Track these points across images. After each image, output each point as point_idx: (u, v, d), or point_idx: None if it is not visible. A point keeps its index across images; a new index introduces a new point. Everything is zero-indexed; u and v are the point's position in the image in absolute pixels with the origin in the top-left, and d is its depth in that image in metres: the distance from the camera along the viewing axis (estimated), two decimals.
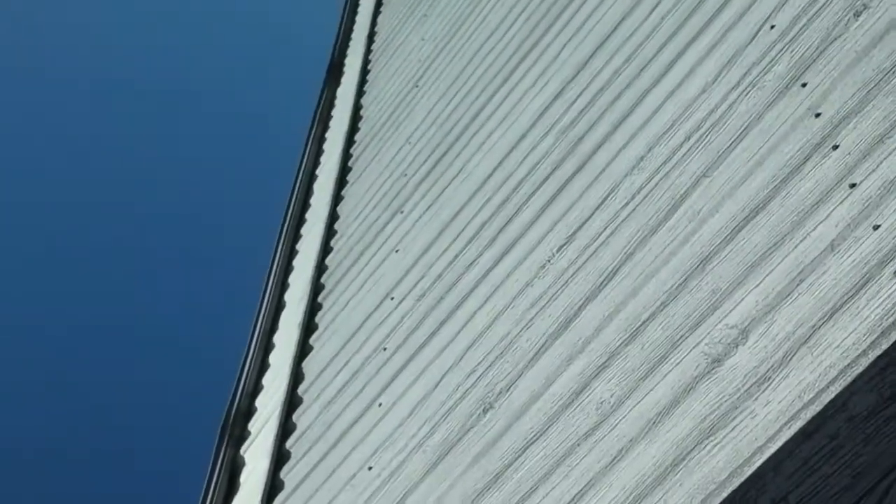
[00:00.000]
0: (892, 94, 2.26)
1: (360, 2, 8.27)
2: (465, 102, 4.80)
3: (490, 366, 3.01)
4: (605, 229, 2.99)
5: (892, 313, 1.88)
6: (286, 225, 5.65)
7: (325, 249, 5.12)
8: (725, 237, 2.46)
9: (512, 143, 4.00)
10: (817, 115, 2.44)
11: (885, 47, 2.37)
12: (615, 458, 2.27)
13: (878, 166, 2.16)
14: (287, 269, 5.36)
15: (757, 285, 2.26)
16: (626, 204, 2.98)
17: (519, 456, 2.59)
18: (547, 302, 2.98)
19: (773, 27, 2.86)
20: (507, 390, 2.86)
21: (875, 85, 2.32)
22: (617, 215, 2.98)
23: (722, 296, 2.34)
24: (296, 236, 5.63)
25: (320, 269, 4.97)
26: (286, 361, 4.45)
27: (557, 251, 3.14)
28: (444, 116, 4.94)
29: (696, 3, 3.32)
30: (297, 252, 5.48)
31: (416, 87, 5.69)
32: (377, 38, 7.28)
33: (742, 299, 2.27)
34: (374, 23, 7.58)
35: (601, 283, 2.82)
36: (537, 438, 2.58)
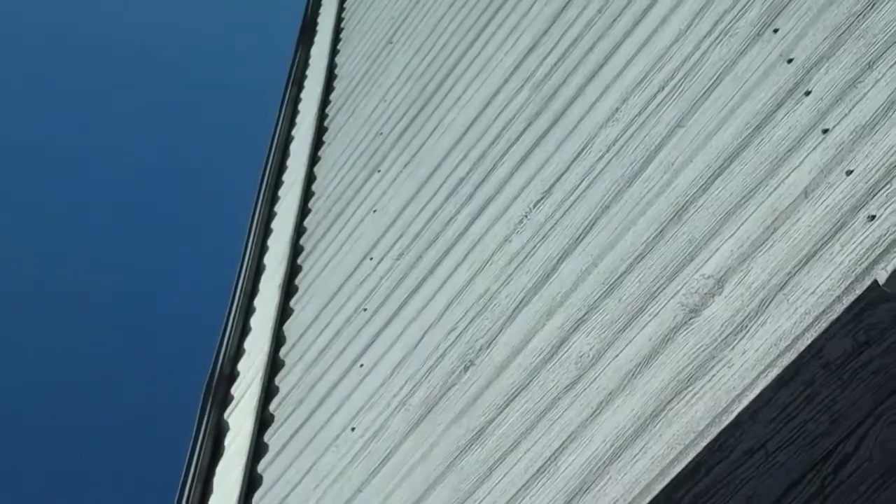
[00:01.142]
0: (862, 37, 2.25)
1: None
2: (439, 58, 4.77)
3: (470, 323, 3.00)
4: (581, 183, 2.98)
5: (866, 258, 1.88)
6: (263, 187, 5.63)
7: (304, 211, 5.10)
8: (700, 187, 2.46)
9: (487, 98, 3.98)
10: (789, 61, 2.43)
11: None
12: (595, 410, 2.27)
13: (850, 111, 2.16)
14: (266, 231, 5.34)
15: (732, 234, 2.25)
16: (602, 157, 2.97)
17: (500, 412, 2.60)
18: (525, 257, 2.98)
19: None
20: (488, 347, 2.86)
21: (846, 29, 2.31)
22: (592, 168, 2.98)
23: (698, 246, 2.33)
24: (273, 198, 5.61)
25: (299, 230, 4.95)
26: (267, 324, 4.44)
27: (534, 206, 3.13)
28: (418, 73, 4.91)
29: None
30: (275, 214, 5.46)
31: (391, 43, 5.65)
32: None
33: (718, 249, 2.27)
34: None
35: (578, 237, 2.81)
36: (518, 394, 2.58)
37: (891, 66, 2.13)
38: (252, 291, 4.93)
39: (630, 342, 2.33)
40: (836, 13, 2.37)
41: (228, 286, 4.96)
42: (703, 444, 1.95)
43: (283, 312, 4.47)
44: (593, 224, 2.79)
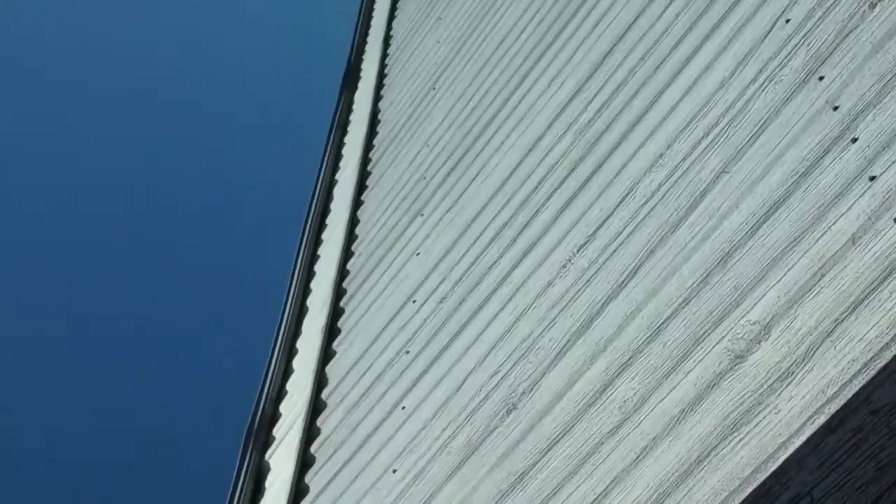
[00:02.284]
0: None
1: (375, 6, 8.29)
2: (482, 104, 4.80)
3: (513, 366, 3.01)
4: (625, 228, 2.99)
5: None
6: (307, 230, 5.67)
7: (347, 254, 5.13)
8: (746, 233, 2.46)
9: (530, 143, 4.00)
10: (835, 108, 2.44)
11: None
12: (639, 456, 2.27)
13: None
14: (309, 274, 5.38)
15: (778, 280, 2.25)
16: (646, 202, 2.98)
17: (543, 456, 2.59)
18: (569, 301, 2.99)
19: (788, 21, 2.85)
20: (531, 391, 2.86)
21: (892, 76, 2.32)
22: (637, 213, 2.98)
23: (743, 292, 2.33)
24: (317, 242, 5.65)
25: (342, 273, 4.98)
26: (310, 366, 4.46)
27: (578, 251, 3.14)
28: (461, 118, 4.95)
29: (710, 0, 3.32)
30: (318, 257, 5.49)
31: (434, 89, 5.70)
32: (393, 42, 7.30)
33: (764, 295, 2.27)
34: (389, 27, 7.59)
35: (622, 282, 2.82)
36: (561, 438, 2.58)
37: None
38: (295, 333, 4.96)
39: (675, 387, 2.33)
40: (882, 61, 2.38)
41: (272, 327, 4.99)
42: (749, 490, 1.94)
43: (326, 354, 4.49)
44: (637, 269, 2.79)
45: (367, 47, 7.75)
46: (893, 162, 2.15)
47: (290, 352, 4.86)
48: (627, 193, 3.10)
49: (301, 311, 5.11)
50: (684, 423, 2.21)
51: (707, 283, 2.48)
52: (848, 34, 2.57)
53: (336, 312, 4.73)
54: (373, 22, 8.09)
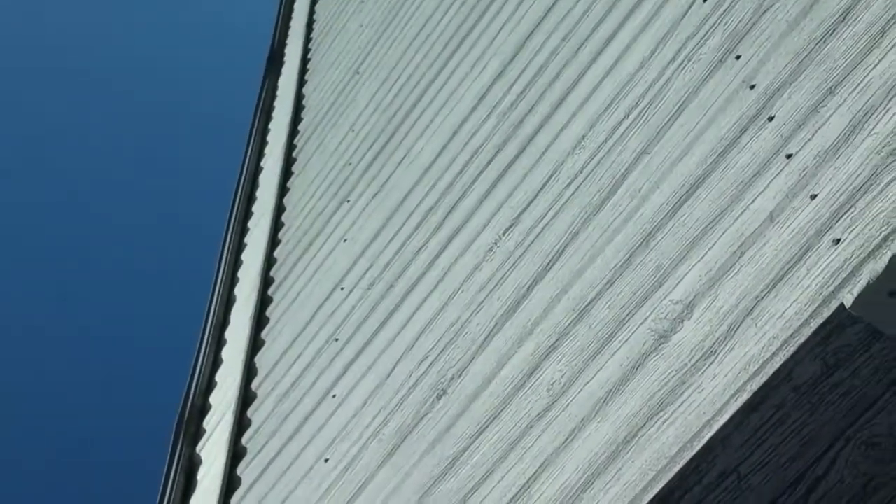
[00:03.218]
0: (823, 63, 2.28)
1: None
2: (405, 88, 4.79)
3: (441, 352, 3.01)
4: (549, 210, 3.00)
5: (832, 282, 1.90)
6: (233, 218, 5.62)
7: (274, 242, 5.09)
8: (667, 213, 2.48)
9: (454, 127, 3.99)
10: (752, 87, 2.46)
11: (815, 16, 2.39)
12: (568, 438, 2.28)
13: (813, 136, 2.18)
14: (236, 263, 5.33)
15: (700, 259, 2.27)
16: (569, 184, 2.99)
17: (473, 441, 2.60)
18: (495, 285, 2.99)
19: (705, 1, 2.87)
20: (460, 375, 2.86)
21: (807, 55, 2.34)
22: (560, 195, 2.99)
23: (666, 272, 2.35)
24: (243, 230, 5.60)
25: (269, 262, 4.94)
26: (238, 356, 4.43)
27: (504, 234, 3.14)
28: (385, 103, 4.93)
29: None
30: (245, 246, 5.44)
31: (357, 74, 5.67)
32: (316, 27, 7.24)
33: (686, 274, 2.28)
34: (312, 11, 7.53)
35: (548, 265, 2.82)
36: (490, 423, 2.58)
37: (852, 91, 2.15)
38: (223, 323, 4.92)
39: (601, 368, 2.34)
40: (797, 39, 2.40)
41: (199, 318, 4.94)
42: (676, 469, 1.96)
43: (255, 344, 4.46)
44: (562, 251, 2.80)
45: (291, 31, 7.68)
46: (809, 140, 2.18)
47: (219, 342, 4.82)
48: (551, 176, 3.11)
49: (229, 301, 5.07)
50: (611, 404, 2.23)
51: (630, 263, 2.49)
52: (764, 13, 2.59)
53: (264, 301, 4.70)
54: (295, 6, 8.03)
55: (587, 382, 2.34)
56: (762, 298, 2.04)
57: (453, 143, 3.90)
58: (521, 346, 2.68)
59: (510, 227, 3.13)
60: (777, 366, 1.91)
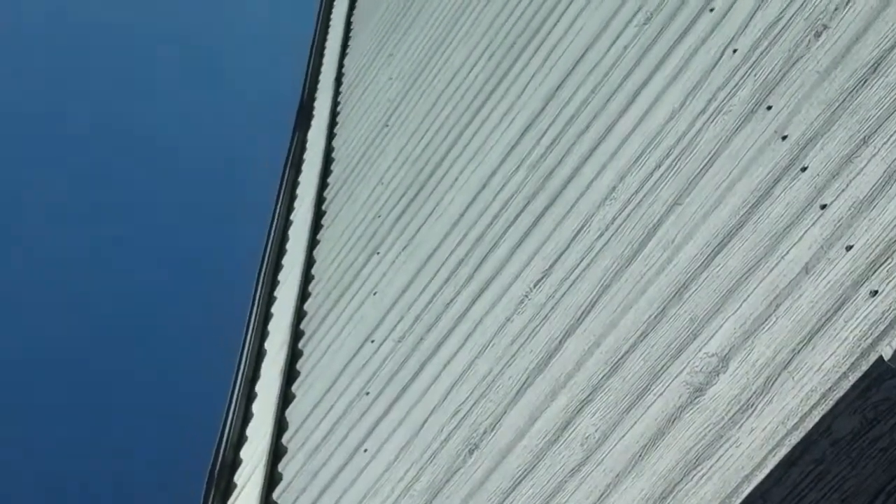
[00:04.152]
0: (856, 113, 2.27)
1: (327, 44, 8.29)
2: (435, 140, 4.80)
3: (473, 405, 2.99)
4: (580, 262, 2.99)
5: (870, 334, 1.88)
6: (263, 272, 5.63)
7: (304, 295, 5.09)
8: (701, 264, 2.46)
9: (484, 179, 4.00)
10: (784, 138, 2.45)
11: (846, 67, 2.38)
12: (603, 493, 2.25)
13: (847, 186, 2.16)
14: (266, 316, 5.34)
15: (735, 311, 2.25)
16: (601, 235, 2.97)
17: (507, 496, 2.57)
18: (527, 338, 2.97)
19: (735, 51, 2.87)
20: (492, 429, 2.84)
21: (839, 105, 2.33)
22: (592, 247, 2.98)
23: (700, 324, 2.33)
24: (273, 283, 5.61)
25: (299, 315, 4.95)
26: (269, 410, 4.42)
27: (535, 286, 3.13)
28: (415, 155, 4.94)
29: (658, 31, 3.34)
30: (275, 299, 5.45)
31: (387, 126, 5.70)
32: (345, 80, 7.30)
33: (720, 326, 2.26)
34: (341, 64, 7.59)
35: (580, 317, 2.81)
36: (524, 477, 2.56)
37: (886, 142, 2.14)
38: (253, 377, 4.92)
39: (636, 422, 2.32)
40: (829, 90, 2.39)
41: (230, 371, 4.94)
42: None
43: (285, 398, 4.45)
44: (594, 303, 2.78)
45: (320, 85, 7.74)
46: (843, 190, 2.16)
47: (250, 396, 4.81)
48: (582, 227, 3.10)
49: (259, 355, 5.07)
50: (647, 458, 2.20)
51: (664, 315, 2.47)
52: (794, 63, 2.59)
53: (294, 355, 4.69)
54: (324, 59, 8.09)
55: (622, 436, 2.32)
56: (799, 351, 2.01)
57: (483, 196, 3.90)
58: (553, 399, 2.65)
59: (541, 279, 3.12)
60: (816, 420, 1.88)
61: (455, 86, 4.96)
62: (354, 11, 8.35)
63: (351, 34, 8.04)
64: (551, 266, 3.12)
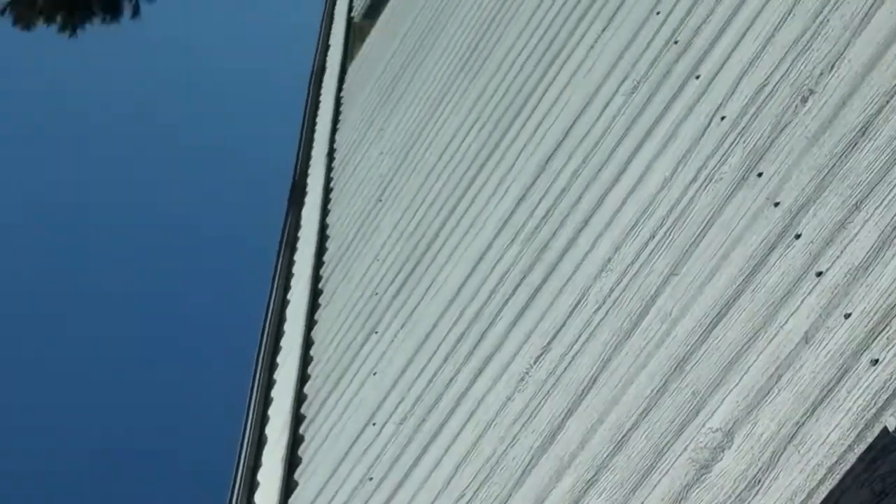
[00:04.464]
0: (846, 178, 2.25)
1: (318, 120, 8.33)
2: (429, 215, 4.79)
3: (478, 489, 2.94)
4: (579, 336, 2.95)
5: (874, 404, 1.84)
6: (261, 355, 5.59)
7: (303, 378, 5.05)
8: (699, 336, 2.43)
9: (479, 253, 3.98)
10: (776, 205, 2.43)
11: (834, 131, 2.37)
12: None
13: (842, 252, 2.14)
14: (266, 401, 5.29)
15: (736, 384, 2.22)
16: (598, 308, 2.94)
17: None
18: (529, 417, 2.93)
19: (723, 118, 2.87)
20: None
21: (829, 170, 2.32)
22: (590, 321, 2.95)
23: (702, 398, 2.29)
24: (272, 366, 5.57)
25: (300, 398, 4.90)
26: (272, 501, 4.35)
27: (535, 362, 3.10)
28: (410, 230, 4.93)
29: (646, 100, 3.34)
30: (275, 382, 5.41)
31: (380, 201, 5.69)
32: (337, 156, 7.31)
33: (723, 400, 2.23)
34: (332, 140, 7.61)
35: (581, 393, 2.77)
36: None
37: (878, 206, 2.12)
38: (255, 466, 4.85)
39: (643, 502, 2.27)
40: (818, 155, 2.38)
41: (231, 460, 4.88)
42: None
43: (288, 487, 4.38)
44: (595, 379, 2.75)
45: (312, 162, 7.76)
46: (838, 257, 2.14)
47: (251, 486, 4.75)
48: (579, 301, 3.07)
49: (260, 441, 5.01)
50: None
51: (665, 390, 2.44)
52: (783, 129, 2.58)
53: (296, 441, 4.63)
54: (316, 136, 8.12)
55: None
56: (803, 423, 1.98)
57: (479, 270, 3.88)
58: (559, 480, 2.61)
59: (541, 355, 3.09)
60: (824, 495, 1.84)
61: (446, 159, 4.96)
62: (344, 86, 8.39)
63: (341, 109, 8.07)
64: (550, 341, 3.08)
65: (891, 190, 2.11)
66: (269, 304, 6.03)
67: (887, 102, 2.24)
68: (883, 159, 2.19)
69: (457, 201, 4.55)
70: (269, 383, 5.40)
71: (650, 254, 2.86)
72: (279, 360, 5.57)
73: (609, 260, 3.05)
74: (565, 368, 2.92)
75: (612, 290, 2.94)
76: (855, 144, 2.29)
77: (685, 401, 2.35)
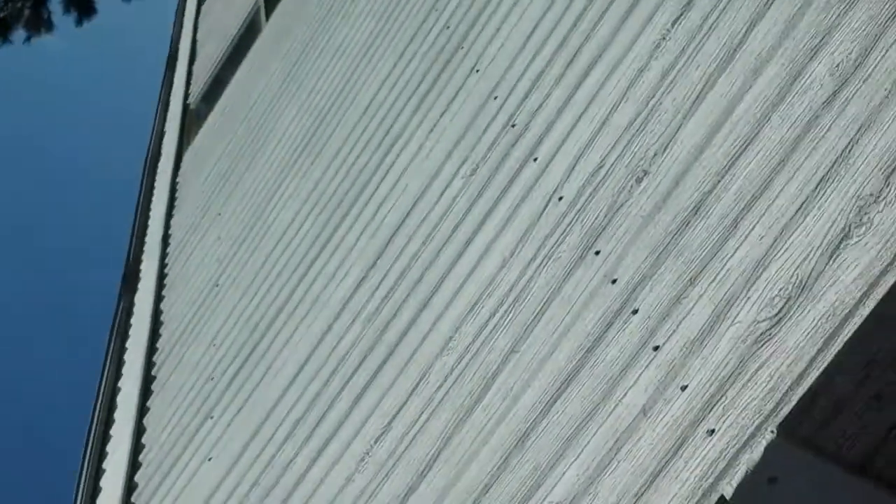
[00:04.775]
0: (681, 255, 2.32)
1: (152, 206, 8.18)
2: (267, 298, 4.73)
3: None
4: (420, 415, 2.94)
5: (711, 474, 1.88)
6: (90, 444, 5.38)
7: (134, 466, 4.88)
8: (540, 412, 2.44)
9: (319, 335, 3.94)
10: (613, 282, 2.48)
11: (668, 210, 2.44)
12: None
13: (677, 327, 2.20)
14: (94, 491, 5.08)
15: (576, 458, 2.23)
16: (440, 387, 2.94)
17: None
18: (369, 497, 2.89)
19: (560, 199, 2.93)
20: None
21: (664, 248, 2.38)
22: (431, 399, 2.94)
23: (543, 472, 2.30)
24: (101, 455, 5.37)
25: (129, 488, 4.72)
26: None
27: (375, 442, 3.06)
28: (247, 314, 4.85)
29: (485, 182, 3.39)
30: (104, 471, 5.21)
31: (217, 286, 5.60)
32: (172, 241, 7.18)
33: (563, 473, 2.24)
34: (167, 225, 7.48)
35: (423, 471, 2.75)
36: None
37: (711, 282, 2.19)
38: None
39: None
40: (654, 233, 2.45)
41: None
42: None
43: None
44: (437, 457, 2.73)
45: (146, 247, 7.60)
46: (674, 331, 2.19)
47: None
48: (420, 379, 3.06)
49: None
50: None
51: (507, 465, 2.44)
52: (619, 209, 2.64)
53: None
54: (150, 222, 7.97)
55: None
56: (642, 495, 2.00)
57: (318, 352, 3.83)
58: None
59: (381, 434, 3.06)
60: None
61: (285, 243, 4.92)
62: (180, 172, 8.29)
63: (177, 195, 7.96)
64: (391, 421, 3.06)
65: (723, 266, 2.18)
66: (99, 392, 5.83)
67: (719, 181, 2.33)
68: (715, 237, 2.26)
69: (296, 284, 4.51)
70: (98, 473, 5.20)
71: (491, 332, 2.88)
72: (109, 448, 5.37)
73: (450, 339, 3.06)
74: (406, 447, 2.89)
75: (453, 369, 2.94)
76: (688, 223, 2.36)
77: (527, 475, 2.35)
